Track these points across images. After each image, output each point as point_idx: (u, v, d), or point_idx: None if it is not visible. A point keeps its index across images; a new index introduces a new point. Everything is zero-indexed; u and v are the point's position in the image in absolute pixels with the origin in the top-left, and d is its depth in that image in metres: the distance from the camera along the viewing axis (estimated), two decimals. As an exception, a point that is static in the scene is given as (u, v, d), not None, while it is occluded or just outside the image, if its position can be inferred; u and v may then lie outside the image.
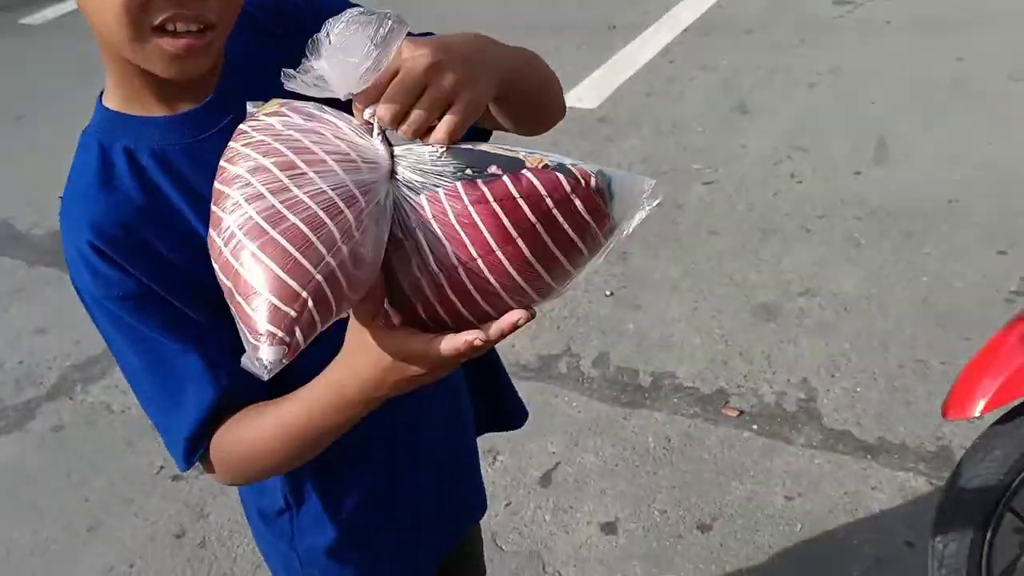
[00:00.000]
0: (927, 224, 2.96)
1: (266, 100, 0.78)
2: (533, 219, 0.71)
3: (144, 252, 0.85)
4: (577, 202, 0.72)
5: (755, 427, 2.32)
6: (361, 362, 0.79)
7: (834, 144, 3.45)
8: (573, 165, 0.73)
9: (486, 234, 0.71)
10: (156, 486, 2.37)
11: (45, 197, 3.72)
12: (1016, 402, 1.54)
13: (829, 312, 2.66)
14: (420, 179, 0.73)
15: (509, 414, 1.33)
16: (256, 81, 0.82)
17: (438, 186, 0.72)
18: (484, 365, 1.23)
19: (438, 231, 0.71)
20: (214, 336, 0.88)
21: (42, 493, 2.39)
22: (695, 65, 4.15)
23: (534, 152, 0.73)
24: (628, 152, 3.55)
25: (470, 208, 0.71)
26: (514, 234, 0.71)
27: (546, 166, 0.72)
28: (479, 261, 0.71)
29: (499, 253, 0.71)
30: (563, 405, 2.46)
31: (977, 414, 1.50)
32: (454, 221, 0.71)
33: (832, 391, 2.39)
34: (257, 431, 0.89)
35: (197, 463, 0.92)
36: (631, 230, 0.75)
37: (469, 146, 0.74)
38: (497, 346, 0.79)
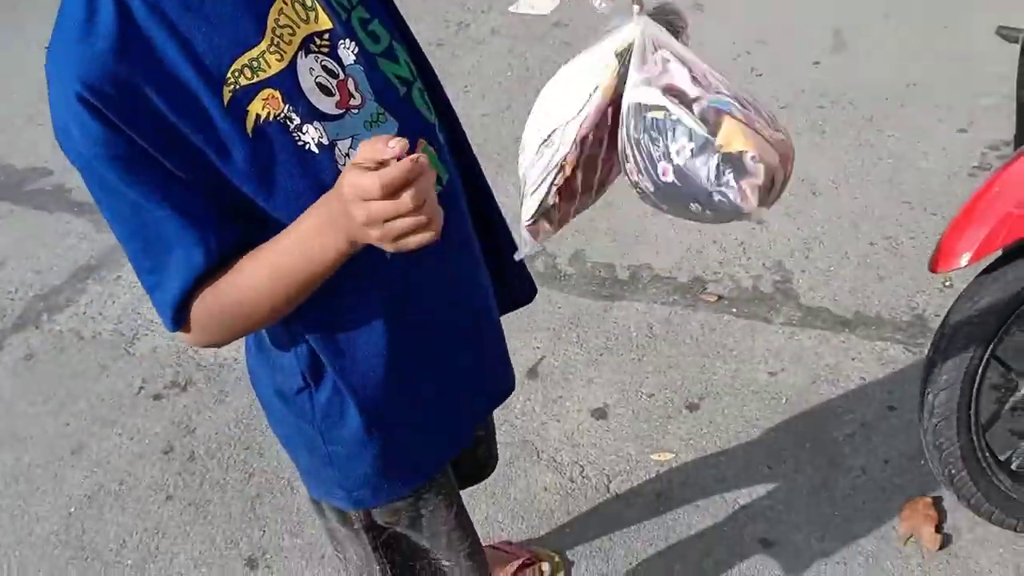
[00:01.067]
0: (888, 109, 2.99)
1: None
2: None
3: (136, 104, 0.82)
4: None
5: (734, 310, 2.35)
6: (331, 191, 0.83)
7: (791, 37, 3.45)
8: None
9: None
10: (137, 406, 2.33)
11: (-13, 129, 3.59)
12: (998, 252, 1.58)
13: (799, 198, 2.69)
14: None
15: (521, 289, 1.32)
16: None
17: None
18: (492, 243, 1.21)
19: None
20: (203, 199, 0.88)
21: (20, 421, 2.34)
22: (647, -34, 4.09)
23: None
24: (587, 55, 3.51)
25: None
26: None
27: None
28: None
29: None
30: (543, 303, 2.46)
31: (964, 264, 1.53)
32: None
33: (807, 271, 2.43)
34: (240, 276, 0.90)
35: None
36: None
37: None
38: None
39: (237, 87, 0.86)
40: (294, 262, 0.87)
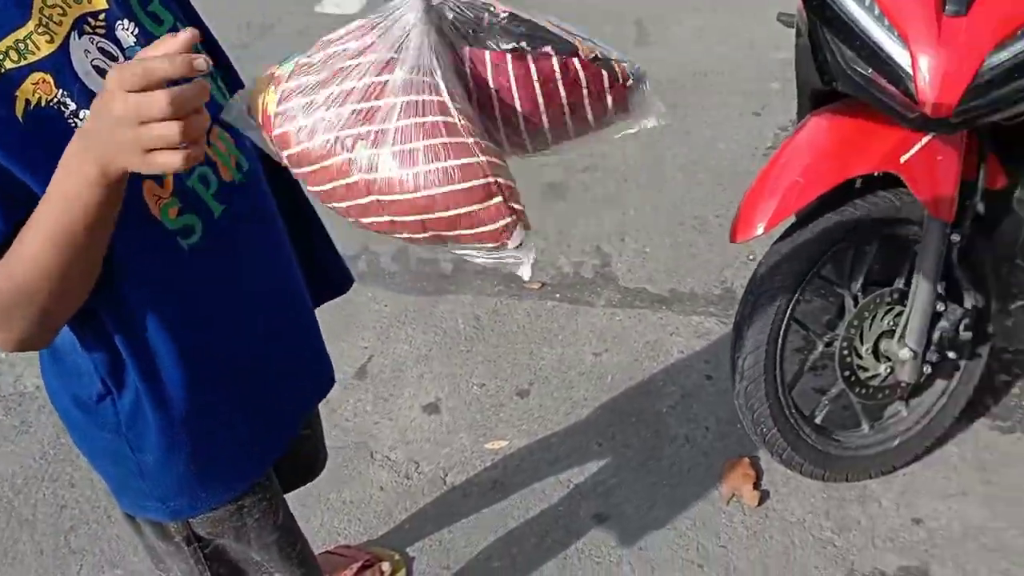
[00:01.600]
0: (688, 95, 3.13)
1: None
2: (565, 101, 0.81)
3: None
4: (609, 97, 0.85)
5: (558, 296, 2.40)
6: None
7: (597, 29, 3.54)
8: (617, 62, 0.84)
9: (516, 100, 0.80)
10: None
11: None
12: (792, 219, 1.68)
13: (611, 184, 2.78)
14: (468, 35, 0.79)
15: (335, 279, 1.30)
16: None
17: (485, 48, 0.79)
18: (300, 221, 1.18)
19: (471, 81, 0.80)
20: None
21: None
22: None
23: (588, 40, 0.82)
24: None
25: (511, 77, 0.80)
26: (541, 108, 0.81)
27: (595, 58, 0.82)
28: (496, 109, 0.81)
29: (519, 111, 0.81)
30: (368, 302, 2.43)
31: (760, 232, 1.62)
32: (490, 81, 0.79)
33: (624, 255, 2.51)
34: (20, 246, 0.81)
35: None
36: (635, 131, 0.88)
37: (530, 18, 0.80)
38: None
39: (2, 70, 0.81)
40: (55, 214, 0.78)
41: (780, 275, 1.68)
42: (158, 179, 0.92)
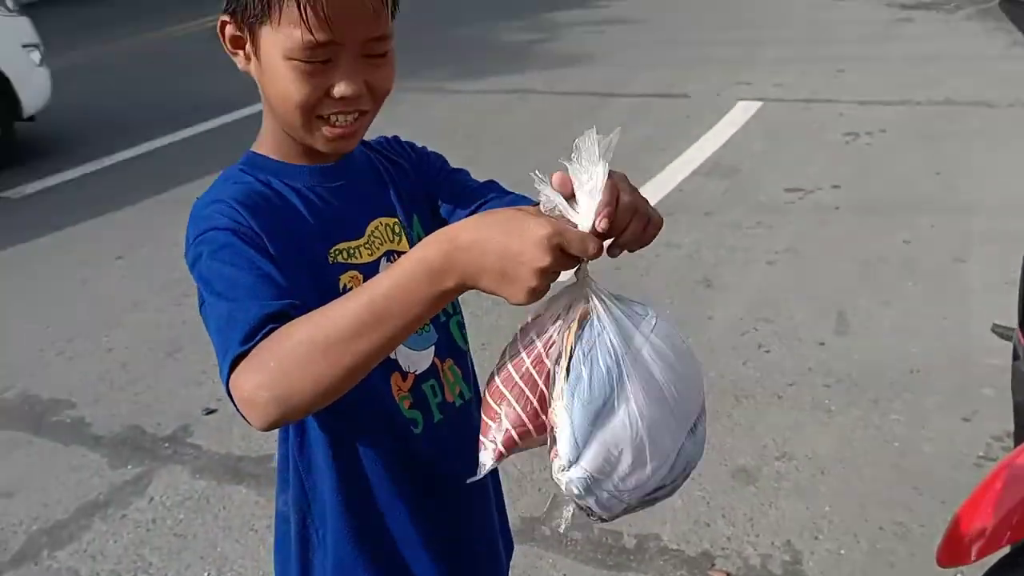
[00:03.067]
0: (892, 392, 3.07)
1: (369, 186, 1.17)
2: None
3: (262, 224, 1.01)
4: None
5: (743, 589, 2.32)
6: (473, 220, 0.88)
7: (797, 317, 3.62)
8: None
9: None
10: (125, 655, 2.26)
11: (16, 360, 3.71)
12: (1006, 549, 1.59)
13: (806, 475, 2.71)
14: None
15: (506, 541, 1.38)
16: (364, 168, 1.18)
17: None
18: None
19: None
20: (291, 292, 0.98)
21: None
22: (659, 242, 4.33)
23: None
24: (601, 322, 3.67)
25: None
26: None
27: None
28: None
29: None
30: (548, 568, 2.43)
31: (970, 561, 1.54)
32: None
33: (816, 553, 2.41)
34: (321, 311, 0.88)
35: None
36: None
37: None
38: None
39: (336, 260, 1.09)
40: (391, 290, 0.86)
41: (993, 609, 1.57)
42: (403, 374, 1.14)
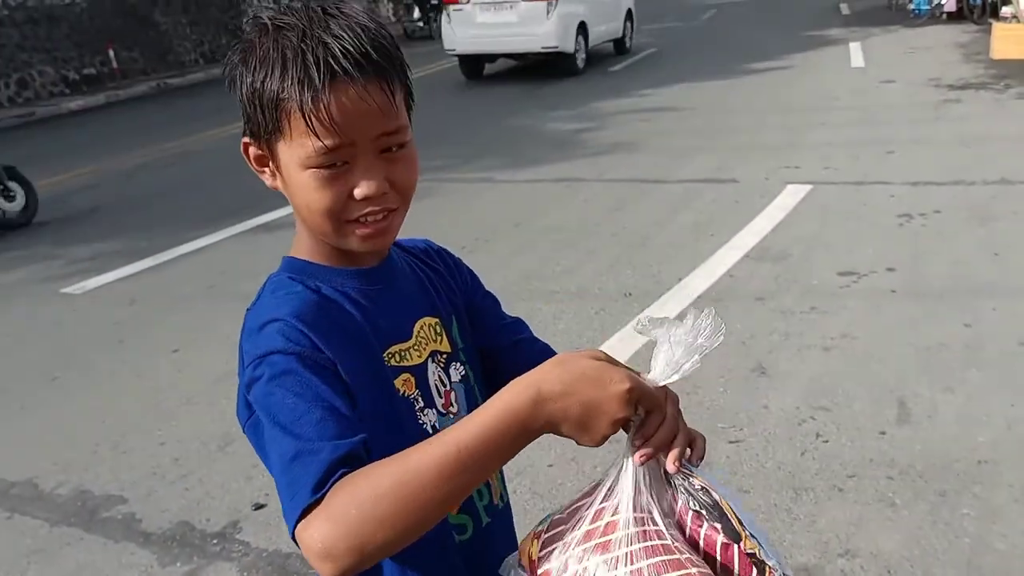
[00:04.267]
0: (960, 484, 2.94)
1: (410, 286, 1.18)
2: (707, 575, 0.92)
3: (326, 340, 1.00)
4: None
5: None
6: (557, 368, 0.91)
7: (855, 405, 3.51)
8: (771, 569, 0.93)
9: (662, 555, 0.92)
10: None
11: (71, 455, 3.75)
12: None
13: (872, 574, 2.59)
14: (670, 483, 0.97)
15: None
16: (402, 270, 1.18)
17: (678, 498, 0.96)
18: None
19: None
20: (357, 425, 0.96)
21: None
22: (711, 330, 4.29)
23: (753, 537, 0.94)
24: (653, 412, 3.60)
25: (673, 536, 0.93)
26: (684, 570, 0.90)
27: (753, 555, 0.93)
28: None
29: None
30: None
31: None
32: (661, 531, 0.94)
33: (887, 660, 2.28)
34: (400, 458, 0.87)
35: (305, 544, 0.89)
36: None
37: (718, 499, 0.96)
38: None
39: (390, 363, 1.09)
40: (479, 438, 0.87)
41: None
42: None
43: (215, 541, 3.06)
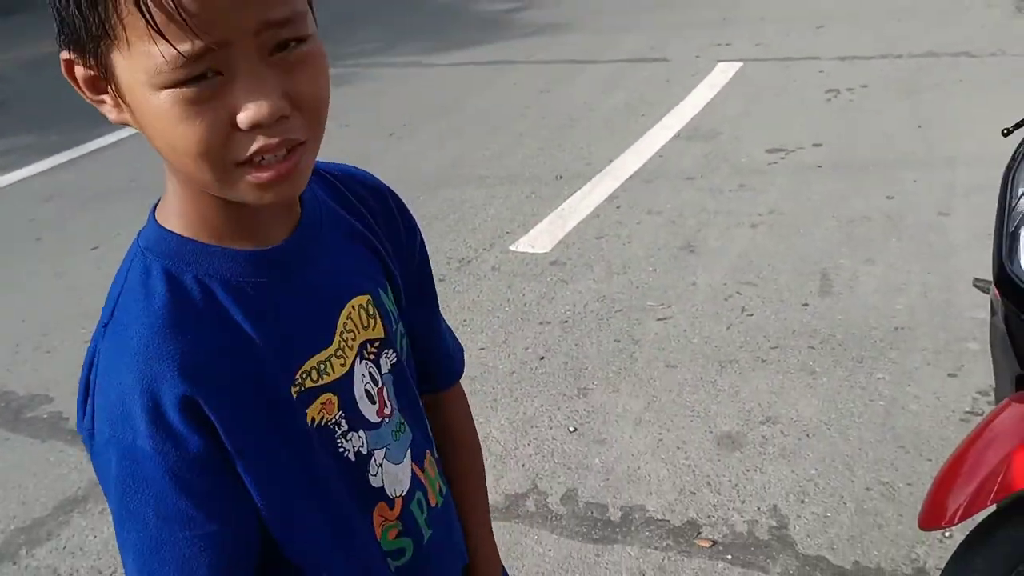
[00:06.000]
0: (877, 351, 3.04)
1: (336, 255, 0.87)
2: None
3: (223, 400, 0.77)
4: None
5: (729, 557, 2.29)
6: None
7: (780, 279, 3.57)
8: None
9: None
10: (106, 652, 2.23)
11: (-7, 356, 3.65)
12: (988, 510, 1.55)
13: (791, 439, 2.68)
14: None
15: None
16: (330, 230, 0.88)
17: None
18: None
19: None
20: (242, 535, 0.81)
21: (-19, 666, 2.23)
22: (641, 210, 4.31)
23: None
24: (583, 292, 3.63)
25: None
26: None
27: None
28: None
29: None
30: (533, 544, 2.40)
31: (954, 523, 1.51)
32: None
33: (803, 517, 2.38)
34: None
35: None
36: None
37: None
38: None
39: (303, 388, 0.83)
40: None
41: (977, 571, 1.54)
42: (390, 501, 0.92)
43: (145, 436, 3.04)
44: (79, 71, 0.73)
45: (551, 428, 2.84)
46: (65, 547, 2.59)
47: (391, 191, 1.00)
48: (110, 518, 2.60)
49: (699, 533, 2.37)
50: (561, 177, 4.81)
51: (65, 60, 0.74)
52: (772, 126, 5.18)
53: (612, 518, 2.46)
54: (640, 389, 2.98)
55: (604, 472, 2.63)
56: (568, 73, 6.70)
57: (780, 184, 4.45)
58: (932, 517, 1.53)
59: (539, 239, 4.11)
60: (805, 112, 5.35)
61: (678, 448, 2.69)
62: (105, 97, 0.75)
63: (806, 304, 3.37)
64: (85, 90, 0.75)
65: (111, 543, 2.57)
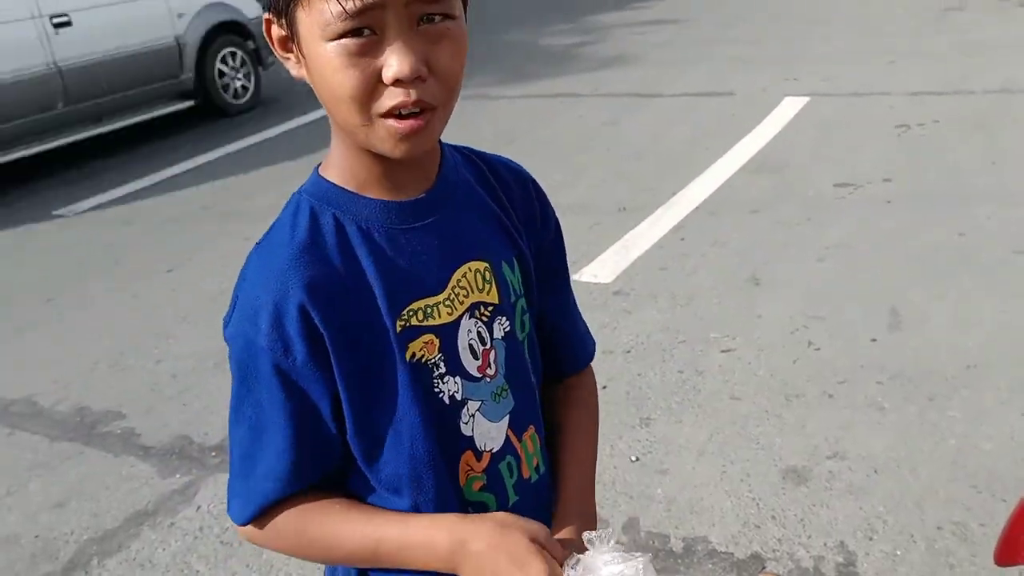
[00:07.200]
0: (948, 388, 2.97)
1: (461, 222, 1.00)
2: None
3: (334, 319, 0.91)
4: None
5: (795, 593, 2.25)
6: (484, 526, 0.92)
7: (848, 313, 3.52)
8: None
9: None
10: (172, 663, 2.27)
11: (69, 374, 3.78)
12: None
13: (859, 475, 2.63)
14: None
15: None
16: (462, 200, 1.02)
17: None
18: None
19: None
20: (326, 436, 0.96)
21: (52, 672, 2.29)
22: (706, 241, 4.29)
23: None
24: (646, 322, 3.62)
25: None
26: None
27: None
28: None
29: None
30: (594, 573, 2.38)
31: (1031, 559, 1.47)
32: None
33: (871, 554, 2.33)
34: (334, 523, 0.97)
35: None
36: None
37: None
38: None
39: (408, 324, 0.95)
40: (394, 550, 0.95)
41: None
42: (478, 453, 1.01)
43: (214, 453, 3.11)
44: (275, 30, 0.90)
45: (612, 457, 2.83)
46: (135, 559, 2.65)
47: (534, 180, 1.13)
48: (178, 532, 2.66)
49: (763, 567, 2.34)
50: (625, 208, 4.82)
51: (266, 19, 0.90)
52: (840, 160, 5.13)
53: (674, 548, 2.44)
54: (703, 420, 2.96)
55: (666, 502, 2.61)
56: (634, 106, 6.73)
57: (848, 218, 4.39)
58: (1008, 553, 1.49)
59: (602, 269, 4.11)
60: (874, 147, 5.29)
61: (742, 480, 2.66)
62: (290, 55, 0.90)
63: (875, 339, 3.32)
64: (277, 47, 0.91)
65: (179, 556, 2.63)
